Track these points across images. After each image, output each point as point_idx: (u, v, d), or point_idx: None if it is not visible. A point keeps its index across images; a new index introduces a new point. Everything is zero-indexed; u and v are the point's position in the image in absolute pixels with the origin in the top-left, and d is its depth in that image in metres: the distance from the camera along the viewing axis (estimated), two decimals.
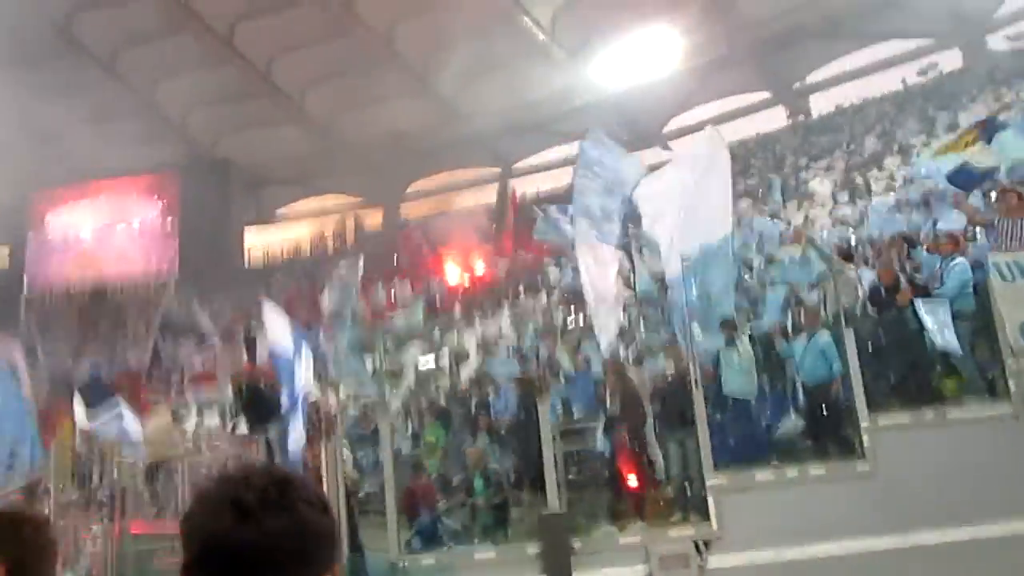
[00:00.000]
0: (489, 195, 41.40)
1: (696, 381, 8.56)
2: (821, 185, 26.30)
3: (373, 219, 43.86)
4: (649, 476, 9.06)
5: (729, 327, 9.41)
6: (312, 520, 1.32)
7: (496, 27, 36.07)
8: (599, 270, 12.91)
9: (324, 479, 8.17)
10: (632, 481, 8.96)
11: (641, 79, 36.92)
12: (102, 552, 12.57)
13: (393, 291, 30.65)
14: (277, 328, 13.18)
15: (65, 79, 36.74)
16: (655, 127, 38.95)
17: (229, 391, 12.22)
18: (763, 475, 8.57)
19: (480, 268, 32.07)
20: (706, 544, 7.91)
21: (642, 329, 15.65)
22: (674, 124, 39.00)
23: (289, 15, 36.86)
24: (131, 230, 41.56)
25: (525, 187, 40.62)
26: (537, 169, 41.64)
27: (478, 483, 9.04)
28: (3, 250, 44.23)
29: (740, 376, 9.15)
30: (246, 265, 42.55)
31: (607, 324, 11.98)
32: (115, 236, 41.48)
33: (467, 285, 30.26)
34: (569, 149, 41.59)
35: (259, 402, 10.23)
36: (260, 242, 43.84)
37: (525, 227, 29.91)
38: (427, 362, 18.34)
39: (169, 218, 41.58)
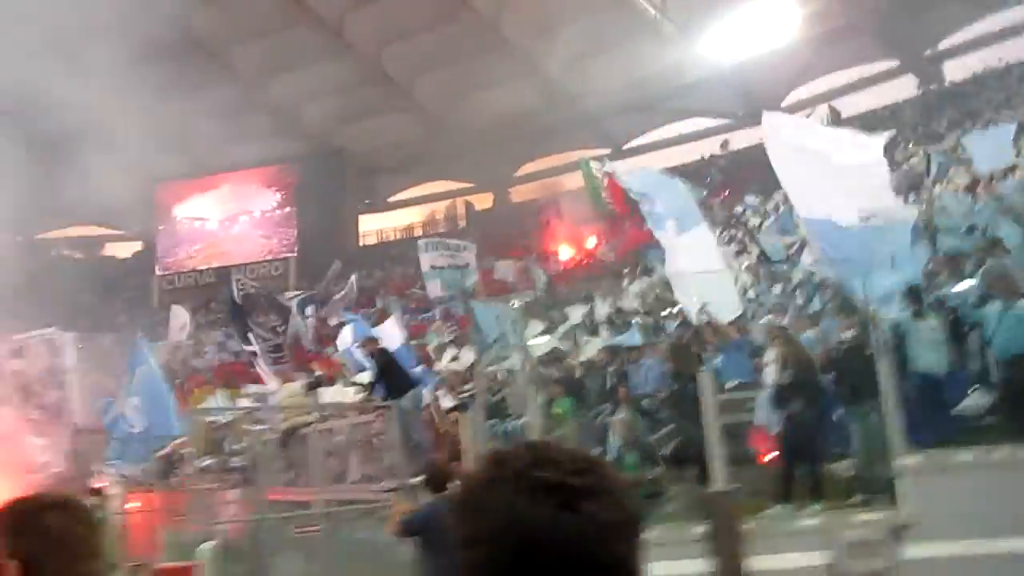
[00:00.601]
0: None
1: (879, 350, 7.43)
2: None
3: (483, 202, 43.45)
4: (825, 453, 8.00)
5: (914, 296, 8.22)
6: (636, 513, 1.07)
7: (605, 5, 34.93)
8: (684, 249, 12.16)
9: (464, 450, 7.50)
10: (804, 458, 7.92)
11: (756, 52, 35.05)
12: (238, 518, 12.30)
13: (510, 269, 30.09)
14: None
15: (186, 76, 37.55)
16: (772, 101, 36.95)
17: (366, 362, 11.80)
18: (961, 456, 7.37)
19: (594, 245, 31.17)
20: (902, 530, 6.79)
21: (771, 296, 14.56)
22: (793, 97, 36.90)
23: (397, 3, 36.66)
24: (253, 219, 42.43)
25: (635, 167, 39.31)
26: (648, 149, 40.23)
27: (630, 458, 8.18)
28: (135, 244, 46.06)
29: (927, 349, 7.94)
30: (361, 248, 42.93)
31: (699, 295, 11.25)
32: (238, 225, 42.43)
33: (584, 262, 29.38)
34: (680, 127, 40.21)
35: (393, 371, 9.65)
36: (374, 227, 44.10)
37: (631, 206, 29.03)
38: (551, 336, 17.50)
39: (288, 208, 42.26)
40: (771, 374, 8.32)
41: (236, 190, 42.52)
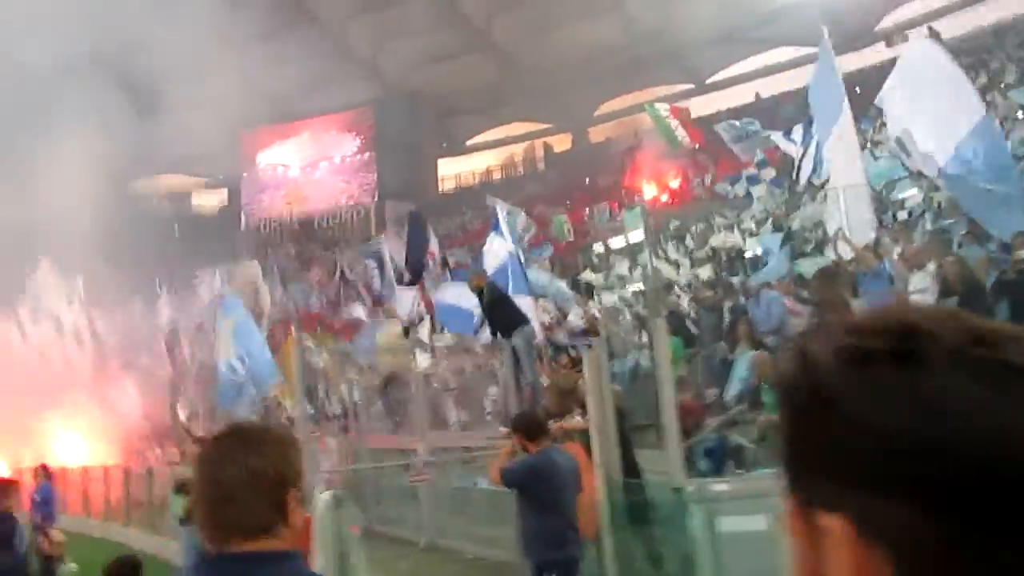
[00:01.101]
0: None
1: None
2: None
3: (562, 144, 42.26)
4: None
5: None
6: None
7: None
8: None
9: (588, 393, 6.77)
10: None
11: None
12: (339, 466, 11.96)
13: (593, 212, 29.11)
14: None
15: (266, 23, 37.07)
16: (867, 26, 34.58)
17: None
18: None
19: (679, 183, 29.86)
20: None
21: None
22: (887, 21, 34.41)
23: None
24: (333, 165, 42.20)
25: (718, 103, 37.55)
26: (731, 82, 38.26)
27: (769, 397, 7.33)
28: (221, 193, 46.39)
29: None
30: (440, 192, 42.38)
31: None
32: (319, 171, 42.29)
33: (672, 201, 28.15)
34: (766, 58, 38.05)
35: (503, 307, 8.91)
36: (452, 170, 43.40)
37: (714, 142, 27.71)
38: (649, 274, 16.43)
39: (367, 153, 41.86)
40: (927, 297, 7.31)
41: (316, 136, 42.25)
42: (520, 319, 9.00)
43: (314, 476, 8.31)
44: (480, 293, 8.88)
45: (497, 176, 42.08)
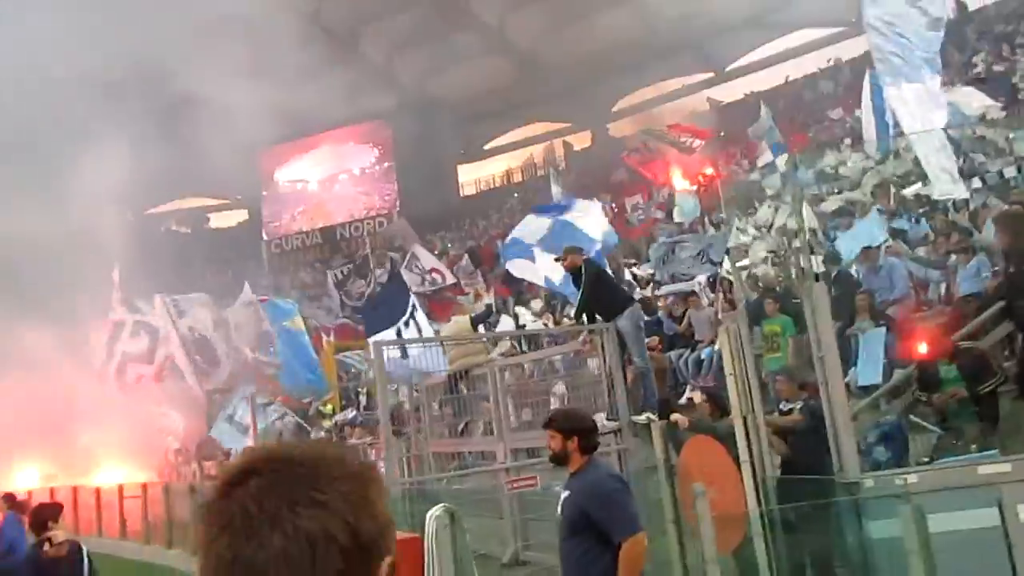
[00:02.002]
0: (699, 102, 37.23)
1: None
2: None
3: (582, 141, 41.05)
4: None
5: None
6: None
7: None
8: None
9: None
10: None
11: None
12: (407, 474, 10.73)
13: (632, 205, 27.89)
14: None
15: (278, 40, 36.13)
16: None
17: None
18: None
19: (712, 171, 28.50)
20: None
21: None
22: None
23: None
24: (353, 177, 41.21)
25: (738, 89, 36.30)
26: (753, 68, 36.94)
27: (949, 370, 6.10)
28: (241, 213, 45.47)
29: None
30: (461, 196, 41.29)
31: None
32: (339, 184, 41.30)
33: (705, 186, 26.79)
34: (787, 41, 36.71)
35: (605, 286, 7.58)
36: (472, 175, 42.29)
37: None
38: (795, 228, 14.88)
39: (387, 163, 40.83)
40: None
41: (334, 149, 41.29)
42: (625, 298, 7.76)
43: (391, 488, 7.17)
44: (576, 273, 7.57)
45: (518, 178, 40.91)
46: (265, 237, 41.26)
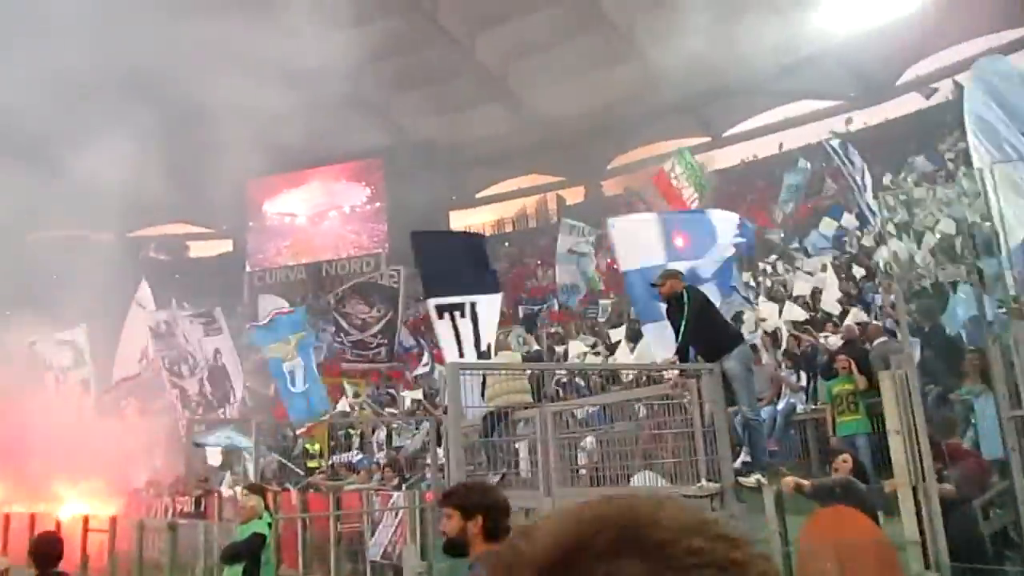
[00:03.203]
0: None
1: None
2: None
3: (574, 197, 40.42)
4: None
5: None
6: None
7: None
8: None
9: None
10: None
11: (871, 23, 31.44)
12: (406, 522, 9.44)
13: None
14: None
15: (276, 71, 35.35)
16: (888, 78, 33.32)
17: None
18: None
19: None
20: None
21: None
22: (911, 74, 33.12)
23: None
24: (343, 214, 40.07)
25: (738, 155, 36.09)
26: (750, 135, 36.75)
27: None
28: (224, 243, 44.05)
29: None
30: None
31: None
32: (328, 220, 40.12)
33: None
34: (784, 111, 36.59)
35: (710, 319, 6.25)
36: (463, 222, 41.33)
37: None
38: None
39: (378, 203, 39.82)
40: None
41: (325, 185, 40.20)
42: (735, 333, 6.61)
43: (411, 544, 5.81)
44: (675, 301, 6.34)
45: (509, 229, 40.11)
46: (248, 269, 39.78)
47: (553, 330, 21.76)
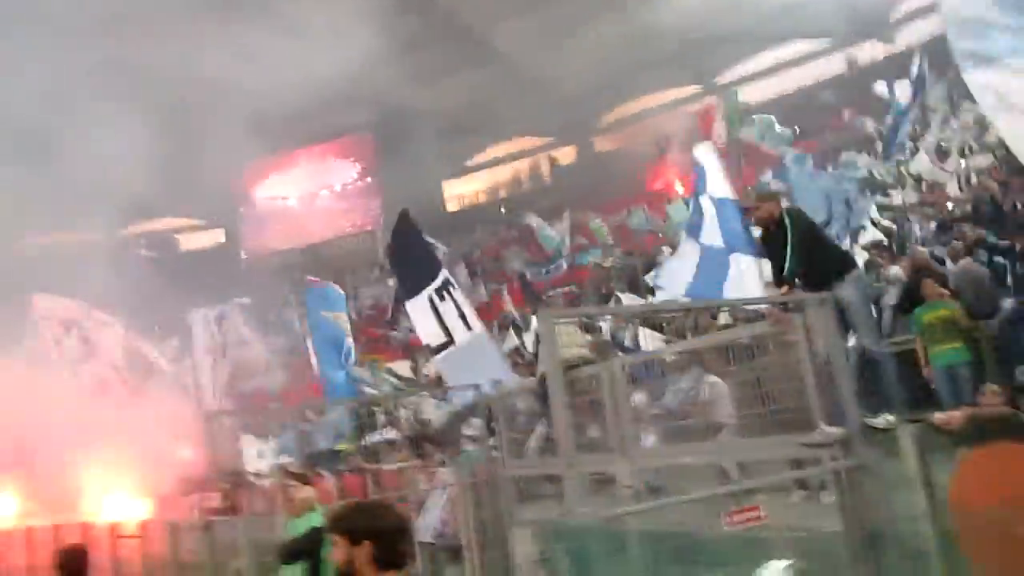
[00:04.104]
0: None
1: None
2: None
3: (567, 157, 39.59)
4: None
5: None
6: None
7: None
8: None
9: None
10: None
11: None
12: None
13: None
14: None
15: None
16: (879, 14, 32.44)
17: None
18: None
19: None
20: None
21: None
22: (904, 8, 32.24)
23: None
24: (334, 193, 39.14)
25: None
26: (743, 81, 35.85)
27: None
28: (219, 232, 43.07)
29: None
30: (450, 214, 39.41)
31: None
32: (320, 200, 39.19)
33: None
34: (777, 54, 35.75)
35: (819, 243, 5.59)
36: (457, 190, 40.52)
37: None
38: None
39: (369, 179, 38.87)
40: None
41: (314, 165, 39.20)
42: (847, 258, 5.90)
43: (519, 528, 5.12)
44: (774, 226, 5.58)
45: (503, 194, 39.29)
46: (244, 256, 38.90)
47: (567, 289, 21.10)
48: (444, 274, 10.46)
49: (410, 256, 11.02)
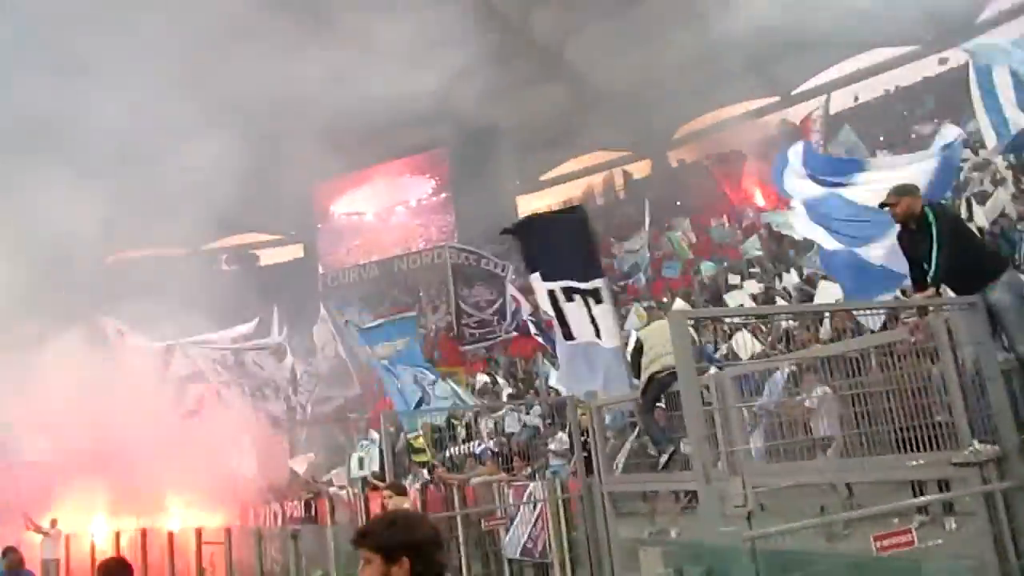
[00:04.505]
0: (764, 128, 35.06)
1: None
2: None
3: (641, 171, 39.04)
4: None
5: None
6: None
7: None
8: None
9: None
10: None
11: None
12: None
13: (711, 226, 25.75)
14: None
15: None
16: (964, 19, 31.06)
17: None
18: None
19: None
20: None
21: None
22: (992, 10, 30.80)
23: None
24: (409, 208, 39.46)
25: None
26: (821, 90, 34.76)
27: None
28: (298, 247, 43.82)
29: None
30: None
31: None
32: (395, 215, 39.56)
33: None
34: (856, 63, 34.62)
35: (965, 241, 4.95)
36: (532, 205, 40.29)
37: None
38: None
39: (444, 194, 39.06)
40: None
41: (389, 181, 39.61)
42: (997, 258, 5.32)
43: (648, 548, 4.74)
44: (914, 223, 5.05)
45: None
46: (321, 271, 39.53)
47: (646, 305, 20.63)
48: (600, 283, 9.11)
49: (564, 244, 9.77)
